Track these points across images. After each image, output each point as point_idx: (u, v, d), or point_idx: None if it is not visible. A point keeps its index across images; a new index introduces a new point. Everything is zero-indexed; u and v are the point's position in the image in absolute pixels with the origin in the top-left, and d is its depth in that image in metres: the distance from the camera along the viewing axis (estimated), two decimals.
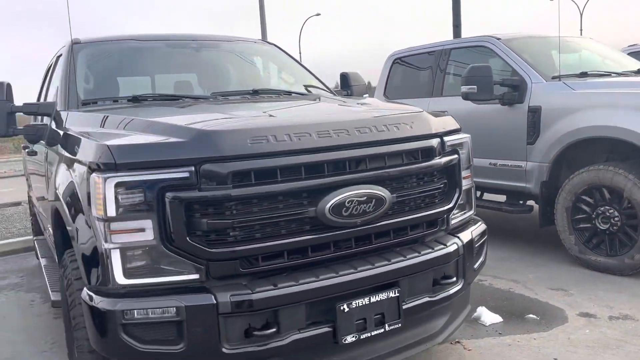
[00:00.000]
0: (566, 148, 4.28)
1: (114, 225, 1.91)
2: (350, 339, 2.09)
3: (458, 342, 3.07)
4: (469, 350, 2.99)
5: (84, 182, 2.03)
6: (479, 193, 5.41)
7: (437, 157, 2.41)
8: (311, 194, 2.07)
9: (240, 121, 2.29)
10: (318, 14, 42.18)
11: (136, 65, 3.43)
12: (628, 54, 8.38)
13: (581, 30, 41.45)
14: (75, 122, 2.66)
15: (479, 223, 2.74)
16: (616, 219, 3.96)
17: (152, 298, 1.91)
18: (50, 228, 2.98)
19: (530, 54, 4.91)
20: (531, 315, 3.38)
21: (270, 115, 2.40)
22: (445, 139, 2.49)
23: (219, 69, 3.66)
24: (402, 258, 2.23)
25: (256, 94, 3.28)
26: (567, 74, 4.59)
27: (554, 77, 4.51)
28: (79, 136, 2.23)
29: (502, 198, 5.12)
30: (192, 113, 2.59)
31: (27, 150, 4.18)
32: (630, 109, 3.87)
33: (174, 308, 1.89)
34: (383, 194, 2.16)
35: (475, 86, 4.58)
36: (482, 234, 2.70)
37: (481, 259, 2.71)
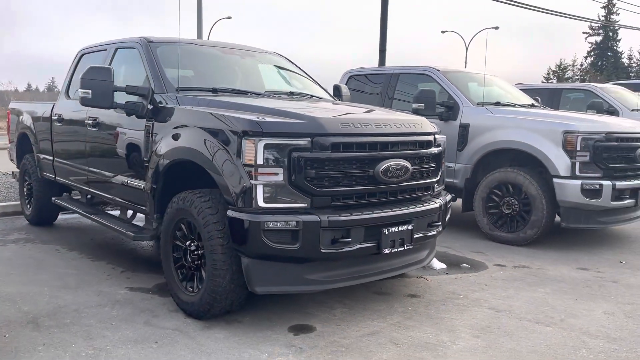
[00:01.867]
0: (485, 155, 5.98)
1: (260, 170, 3.08)
2: (387, 250, 3.42)
3: (421, 277, 4.51)
4: (429, 281, 4.44)
5: (234, 143, 3.14)
6: None
7: (433, 147, 3.84)
8: (371, 161, 3.38)
9: (330, 112, 3.55)
10: (229, 17, 42.95)
11: (202, 64, 4.49)
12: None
13: (465, 63, 46.51)
14: (202, 104, 3.71)
15: (448, 194, 4.22)
16: (516, 206, 5.69)
17: (281, 215, 3.10)
18: (148, 182, 3.88)
19: (460, 84, 6.60)
20: (465, 265, 4.94)
21: (334, 110, 3.68)
22: (436, 136, 3.93)
23: (257, 72, 4.82)
24: (414, 206, 3.62)
25: (292, 95, 4.50)
26: (487, 102, 6.33)
27: (478, 103, 6.22)
28: (221, 114, 3.34)
29: None
30: (276, 103, 3.78)
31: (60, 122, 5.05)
32: (528, 130, 5.62)
33: (294, 222, 3.09)
34: (408, 166, 3.53)
35: (423, 104, 6.14)
36: (450, 200, 4.17)
37: (449, 215, 4.18)
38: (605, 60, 58.35)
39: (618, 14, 52.85)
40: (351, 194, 3.34)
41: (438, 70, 6.72)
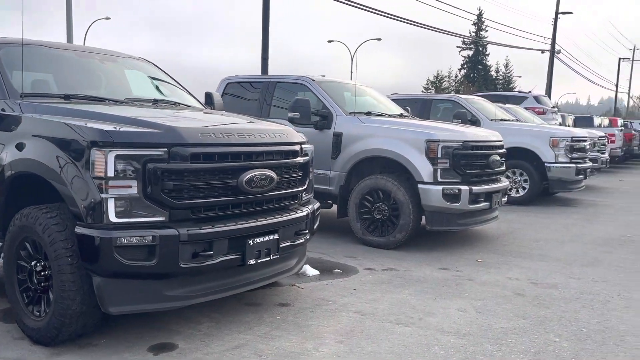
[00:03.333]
0: (357, 162, 6.20)
1: (111, 182, 2.90)
2: (252, 261, 3.39)
3: (294, 285, 4.55)
4: (301, 288, 4.49)
5: (82, 154, 2.93)
6: None
7: (299, 157, 3.88)
8: (234, 171, 3.33)
9: (192, 122, 3.44)
10: (108, 18, 40.68)
11: (55, 69, 4.15)
12: (391, 100, 11.11)
13: (351, 72, 48.25)
14: (36, 111, 3.41)
15: (316, 202, 4.30)
16: (386, 211, 5.96)
17: (136, 230, 2.94)
18: None
19: (334, 94, 6.79)
20: (337, 270, 5.06)
21: (198, 120, 3.58)
22: (303, 146, 3.99)
23: (118, 78, 4.56)
24: (280, 216, 3.63)
25: (156, 102, 4.32)
26: (359, 111, 6.57)
27: (350, 113, 6.44)
28: (69, 123, 3.10)
29: None
30: (135, 112, 3.59)
31: None
32: (395, 138, 5.92)
33: (150, 237, 2.95)
34: (273, 175, 3.53)
35: (298, 113, 6.23)
36: (318, 208, 4.25)
37: (317, 223, 4.25)
38: (476, 72, 63.53)
39: (486, 31, 57.86)
40: (214, 206, 3.26)
41: (313, 80, 6.85)
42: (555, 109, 17.60)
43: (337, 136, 6.34)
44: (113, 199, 2.92)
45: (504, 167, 6.56)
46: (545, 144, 9.33)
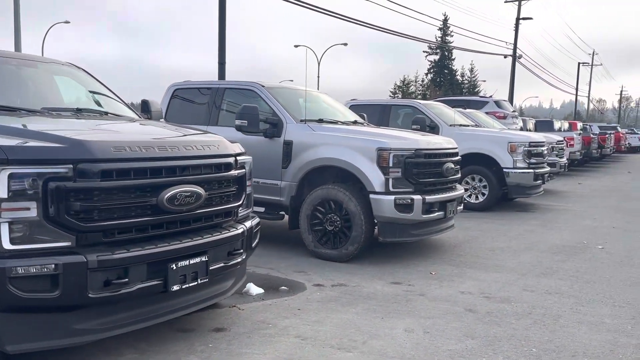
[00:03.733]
0: (308, 172, 5.94)
1: (5, 205, 2.56)
2: (176, 287, 3.09)
3: (234, 306, 4.25)
4: (242, 310, 4.19)
5: None
6: None
7: (233, 170, 3.60)
8: (154, 188, 3.02)
9: (109, 134, 3.11)
10: (67, 22, 39.52)
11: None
12: (350, 106, 10.97)
13: (318, 77, 48.25)
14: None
15: (255, 217, 4.01)
16: (338, 222, 5.72)
17: (35, 258, 2.60)
18: None
19: (285, 100, 6.52)
20: (283, 287, 4.78)
21: (117, 132, 3.26)
22: (238, 158, 3.70)
23: (39, 86, 4.19)
24: (210, 235, 3.33)
25: (79, 112, 3.97)
26: (310, 119, 6.32)
27: (301, 120, 6.18)
28: None
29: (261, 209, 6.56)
30: (47, 124, 3.25)
31: None
32: (346, 147, 5.69)
33: (53, 265, 2.62)
34: (200, 191, 3.24)
35: (246, 121, 5.94)
36: (257, 224, 3.97)
37: (257, 240, 3.97)
38: (443, 77, 64.34)
39: (452, 36, 58.67)
40: (130, 227, 2.95)
41: (263, 86, 6.58)
42: (516, 114, 17.77)
43: (288, 145, 6.07)
44: (7, 224, 2.57)
45: (459, 175, 6.40)
46: (503, 149, 9.27)
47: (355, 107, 11.05)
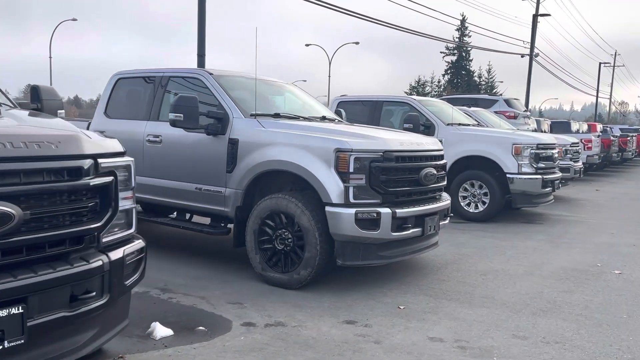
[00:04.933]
0: (256, 177, 4.87)
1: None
2: None
3: (121, 357, 3.19)
4: None
5: None
6: (187, 215, 5.73)
7: (87, 178, 2.54)
8: None
9: None
10: (74, 19, 39.10)
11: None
12: (338, 103, 9.91)
13: (329, 76, 47.22)
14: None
15: (138, 241, 2.95)
16: (289, 240, 4.64)
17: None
18: None
19: (237, 91, 5.46)
20: (201, 328, 3.71)
21: None
22: (101, 160, 2.64)
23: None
24: (32, 274, 2.28)
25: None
26: (265, 113, 5.25)
27: (251, 115, 5.11)
28: None
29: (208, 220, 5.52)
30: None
31: None
32: (299, 147, 4.58)
33: None
34: (11, 211, 2.19)
35: (181, 114, 4.89)
36: (138, 252, 2.90)
37: (136, 276, 2.91)
38: (460, 78, 62.79)
39: (470, 36, 57.13)
40: None
41: (211, 74, 5.52)
42: (528, 113, 16.44)
43: (233, 144, 5.00)
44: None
45: (443, 183, 5.27)
46: (506, 151, 8.08)
47: (343, 104, 10.00)
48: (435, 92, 62.03)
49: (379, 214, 4.39)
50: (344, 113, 6.63)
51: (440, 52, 63.19)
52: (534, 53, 32.37)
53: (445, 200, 5.30)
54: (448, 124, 8.71)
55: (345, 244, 4.46)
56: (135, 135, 5.71)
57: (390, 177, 4.54)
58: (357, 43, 46.52)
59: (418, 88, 62.89)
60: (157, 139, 5.54)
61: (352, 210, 4.34)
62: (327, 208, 4.41)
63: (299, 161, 4.56)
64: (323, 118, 5.80)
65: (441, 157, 5.28)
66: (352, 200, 4.39)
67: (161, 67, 5.95)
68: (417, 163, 4.82)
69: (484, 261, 5.81)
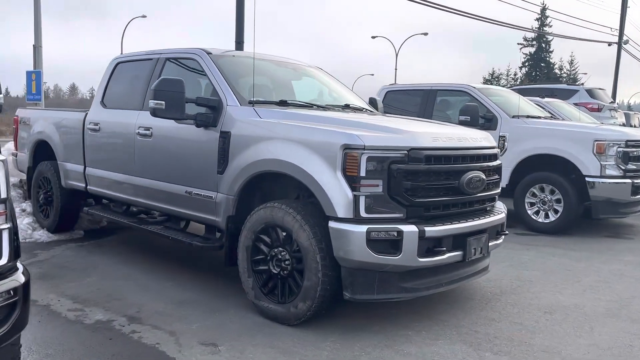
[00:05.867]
0: (253, 180, 3.87)
1: None
2: None
3: None
4: None
5: None
6: (182, 224, 4.84)
7: None
8: None
9: None
10: (144, 16, 39.91)
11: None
12: (385, 93, 8.73)
13: (395, 69, 45.59)
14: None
15: (9, 279, 2.03)
16: (287, 262, 3.60)
17: None
18: None
19: (240, 75, 4.48)
20: None
21: None
22: None
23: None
24: None
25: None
26: (267, 100, 4.25)
27: (249, 102, 4.11)
28: None
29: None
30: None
31: None
32: (297, 143, 3.50)
33: None
34: None
35: (163, 102, 3.99)
36: (7, 293, 1.99)
37: (6, 327, 1.99)
38: (539, 70, 59.10)
39: (551, 26, 53.43)
40: None
41: (209, 53, 4.57)
42: (615, 105, 14.36)
43: (224, 138, 4.03)
44: None
45: (496, 190, 4.03)
46: (586, 149, 6.58)
47: (392, 94, 8.84)
48: (509, 85, 58.64)
49: (400, 232, 3.25)
50: (379, 102, 5.47)
51: (518, 44, 59.71)
52: (623, 39, 29.23)
53: (499, 213, 4.05)
54: (513, 117, 7.31)
55: (354, 272, 3.36)
56: (127, 127, 4.90)
57: (418, 184, 3.38)
58: (425, 34, 44.42)
59: (492, 81, 59.71)
60: (148, 132, 4.68)
61: (364, 228, 3.23)
62: (331, 223, 3.33)
63: (296, 161, 3.50)
64: (346, 107, 4.70)
65: (494, 157, 4.03)
66: (363, 214, 3.27)
67: (157, 49, 5.08)
68: (458, 165, 3.61)
69: (550, 291, 4.48)
